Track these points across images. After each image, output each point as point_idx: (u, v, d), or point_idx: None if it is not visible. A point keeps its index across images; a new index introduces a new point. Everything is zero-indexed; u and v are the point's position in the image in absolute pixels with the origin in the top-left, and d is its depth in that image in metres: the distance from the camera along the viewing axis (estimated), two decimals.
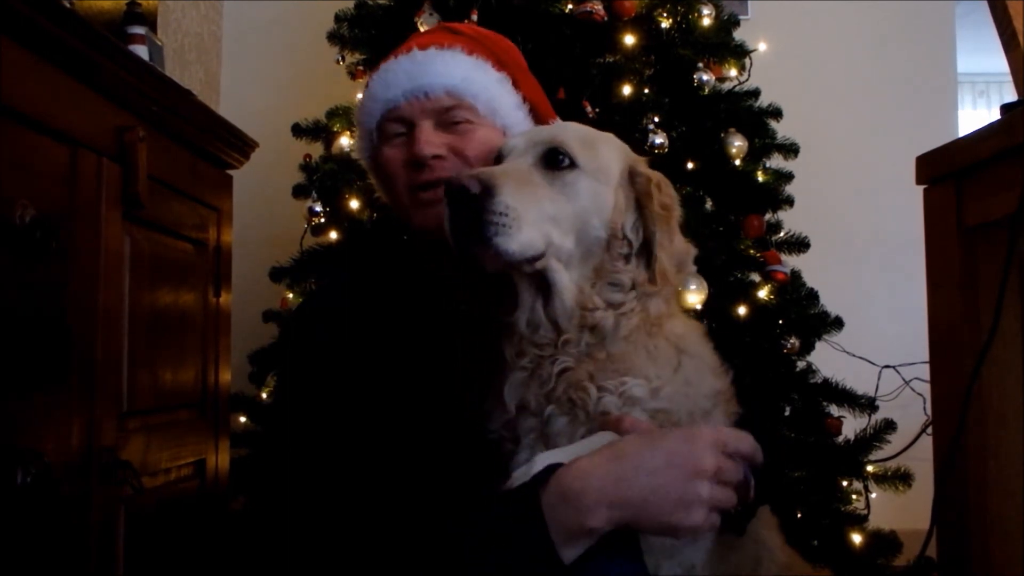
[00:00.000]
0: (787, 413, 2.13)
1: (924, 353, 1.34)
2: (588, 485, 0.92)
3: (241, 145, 1.96)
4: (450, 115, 1.22)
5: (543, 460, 0.98)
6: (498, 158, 1.14)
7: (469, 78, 1.23)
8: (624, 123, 2.04)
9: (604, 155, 1.11)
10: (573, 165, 1.07)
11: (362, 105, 1.30)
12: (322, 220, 2.27)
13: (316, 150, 2.40)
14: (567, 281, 1.06)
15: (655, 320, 1.09)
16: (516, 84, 1.29)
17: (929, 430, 1.39)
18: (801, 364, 2.20)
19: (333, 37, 2.41)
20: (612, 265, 1.09)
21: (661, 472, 0.94)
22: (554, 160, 1.07)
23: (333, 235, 2.26)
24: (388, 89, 1.24)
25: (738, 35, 2.34)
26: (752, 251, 2.17)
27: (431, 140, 1.20)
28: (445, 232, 1.04)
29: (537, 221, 1.02)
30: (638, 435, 0.98)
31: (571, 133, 1.12)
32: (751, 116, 2.29)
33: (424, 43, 1.26)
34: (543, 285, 1.07)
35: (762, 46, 2.49)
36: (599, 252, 1.09)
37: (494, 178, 1.01)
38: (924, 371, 1.38)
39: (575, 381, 1.05)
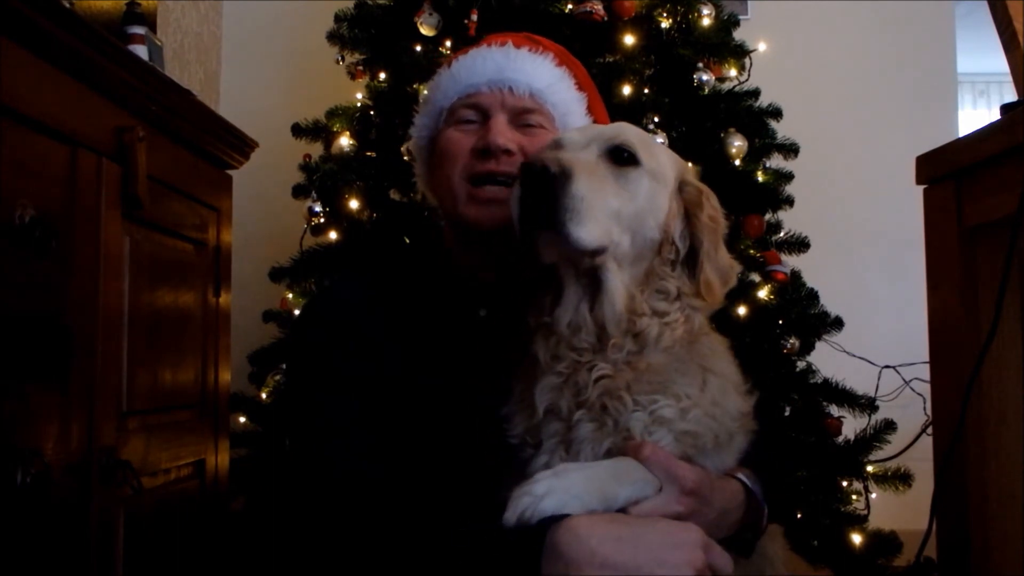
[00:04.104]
0: (787, 413, 2.13)
1: (924, 353, 1.34)
2: (583, 546, 0.90)
3: (241, 145, 1.96)
4: (527, 117, 1.22)
5: (555, 485, 0.95)
6: (553, 150, 1.12)
7: (554, 87, 1.23)
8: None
9: (662, 158, 1.11)
10: (636, 163, 1.07)
11: (438, 83, 1.28)
12: (322, 220, 2.27)
13: (316, 150, 2.40)
14: (618, 283, 1.05)
15: (694, 336, 1.08)
16: (589, 107, 1.29)
17: (929, 430, 1.39)
18: (801, 364, 2.20)
19: (333, 37, 2.41)
20: (661, 270, 1.07)
21: (659, 546, 0.92)
22: (619, 157, 1.07)
23: (333, 235, 2.26)
24: (473, 74, 1.23)
25: (738, 35, 2.34)
26: (752, 251, 2.17)
27: (506, 133, 1.19)
28: (501, 221, 1.08)
29: (604, 214, 1.01)
30: (633, 517, 0.97)
31: (632, 133, 1.11)
32: (751, 116, 2.29)
33: (518, 43, 1.26)
34: (592, 285, 1.06)
35: (762, 46, 2.49)
36: (650, 255, 1.08)
37: (572, 164, 1.00)
38: (924, 371, 1.38)
39: (611, 389, 1.03)
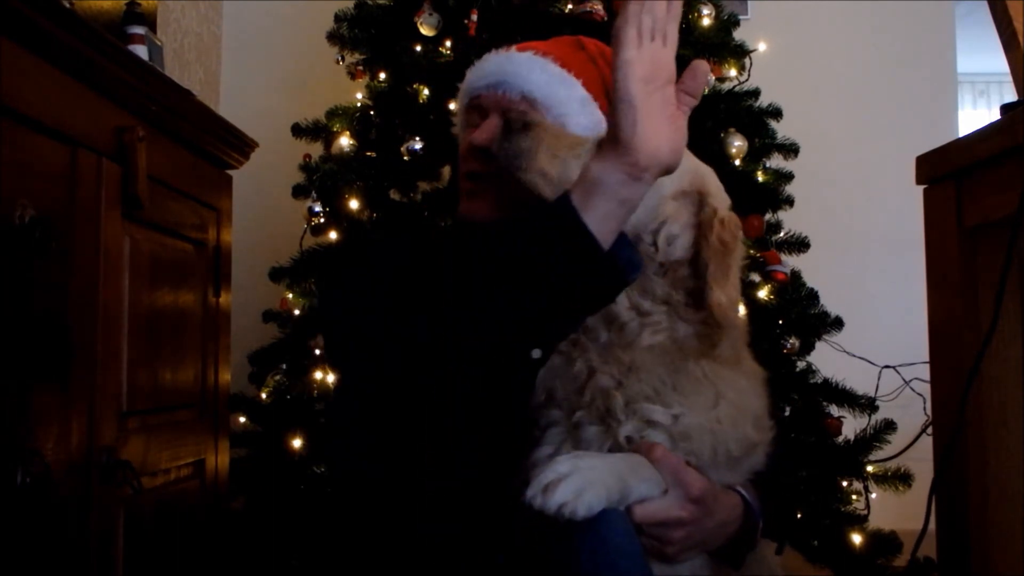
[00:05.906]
0: (787, 413, 2.13)
1: (924, 353, 1.34)
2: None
3: (241, 145, 1.96)
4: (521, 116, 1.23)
5: (579, 465, 0.94)
6: None
7: (550, 90, 1.22)
8: None
9: None
10: None
11: (461, 88, 1.33)
12: (322, 220, 2.27)
13: (316, 150, 2.40)
14: None
15: (684, 349, 1.07)
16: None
17: (929, 430, 1.39)
18: (801, 364, 2.19)
19: (333, 37, 2.40)
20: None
21: None
22: None
23: (333, 235, 2.26)
24: (477, 78, 1.27)
25: (738, 35, 2.33)
26: (752, 251, 2.17)
27: (488, 132, 1.20)
28: (484, 216, 1.15)
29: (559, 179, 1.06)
30: None
31: None
32: (751, 116, 2.28)
33: (524, 47, 1.28)
34: None
35: (762, 46, 2.49)
36: None
37: (536, 120, 1.10)
38: (924, 371, 1.38)
39: (603, 389, 1.04)
